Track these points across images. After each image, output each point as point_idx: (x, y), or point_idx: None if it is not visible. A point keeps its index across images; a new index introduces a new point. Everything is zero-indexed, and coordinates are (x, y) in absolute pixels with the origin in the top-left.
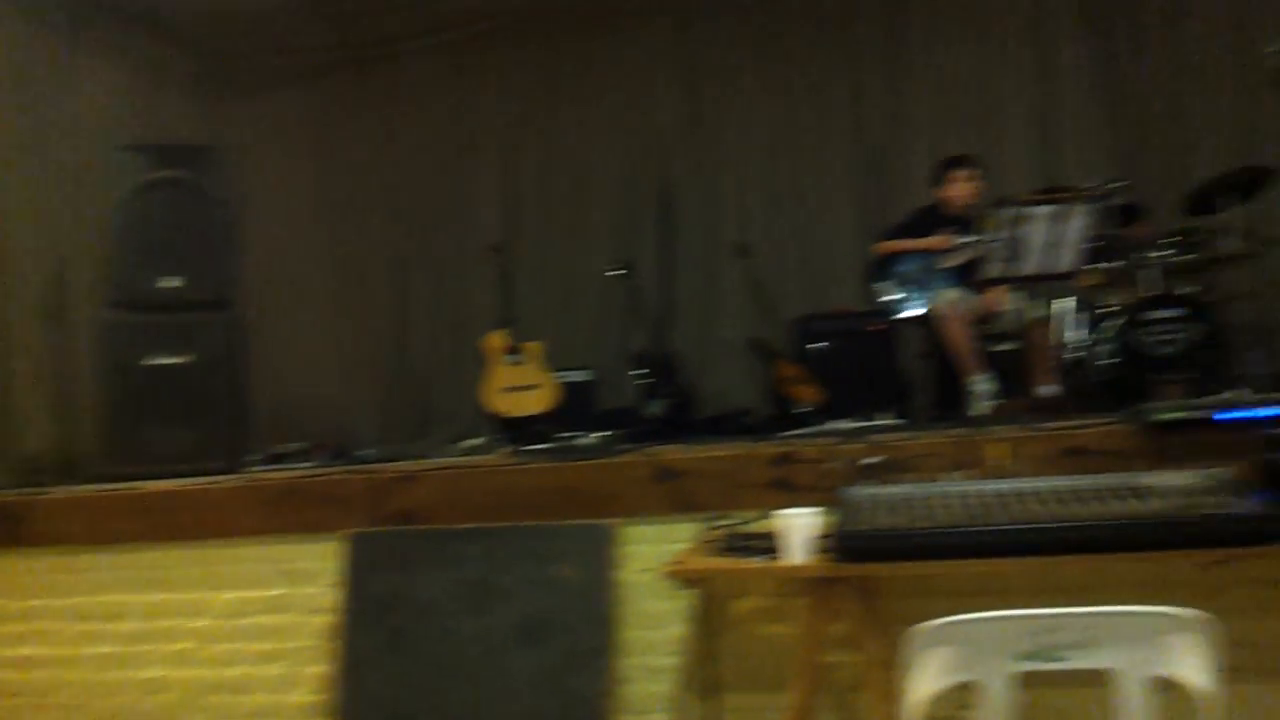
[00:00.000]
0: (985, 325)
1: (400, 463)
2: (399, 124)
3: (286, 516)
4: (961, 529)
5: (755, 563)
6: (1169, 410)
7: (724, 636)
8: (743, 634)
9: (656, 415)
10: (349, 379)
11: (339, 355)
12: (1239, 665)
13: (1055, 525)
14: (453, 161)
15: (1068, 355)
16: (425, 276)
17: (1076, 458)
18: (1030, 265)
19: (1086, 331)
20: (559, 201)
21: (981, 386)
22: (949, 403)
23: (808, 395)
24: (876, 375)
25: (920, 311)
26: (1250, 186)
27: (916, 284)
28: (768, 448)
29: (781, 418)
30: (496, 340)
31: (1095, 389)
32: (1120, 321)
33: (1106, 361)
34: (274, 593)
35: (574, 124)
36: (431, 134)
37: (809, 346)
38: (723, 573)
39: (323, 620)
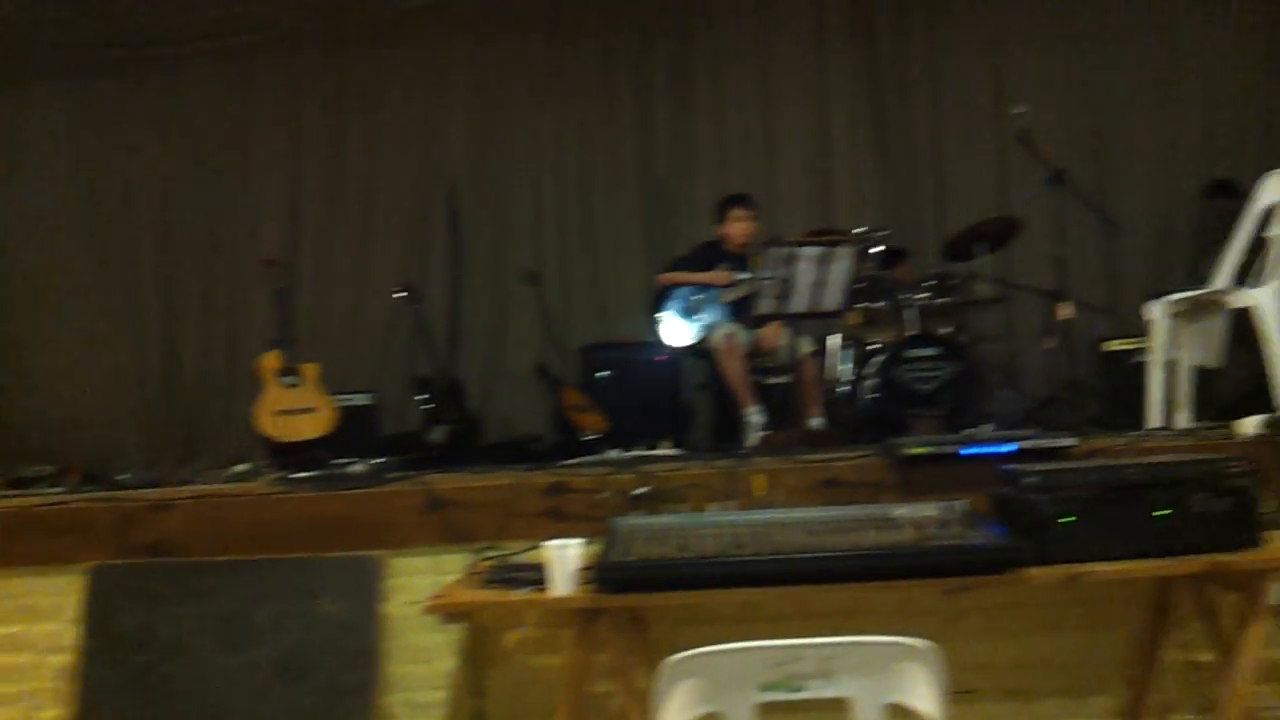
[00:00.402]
0: (759, 359)
1: (155, 489)
2: (174, 131)
3: (23, 547)
4: (720, 559)
5: (520, 595)
6: (918, 445)
7: (494, 669)
8: (513, 666)
9: (439, 442)
10: (114, 398)
11: (104, 373)
12: (979, 686)
13: (809, 556)
14: (231, 173)
15: (837, 389)
16: (199, 292)
17: (833, 489)
18: (799, 303)
19: (854, 367)
20: (345, 219)
21: (754, 418)
22: (726, 433)
23: (592, 423)
24: (659, 404)
25: (698, 343)
26: (1001, 236)
27: (698, 316)
28: (541, 477)
29: (567, 445)
30: (271, 361)
31: (861, 422)
32: (884, 359)
33: (871, 396)
34: (7, 630)
35: (363, 140)
36: (209, 143)
37: (595, 375)
38: (486, 605)
39: (63, 660)
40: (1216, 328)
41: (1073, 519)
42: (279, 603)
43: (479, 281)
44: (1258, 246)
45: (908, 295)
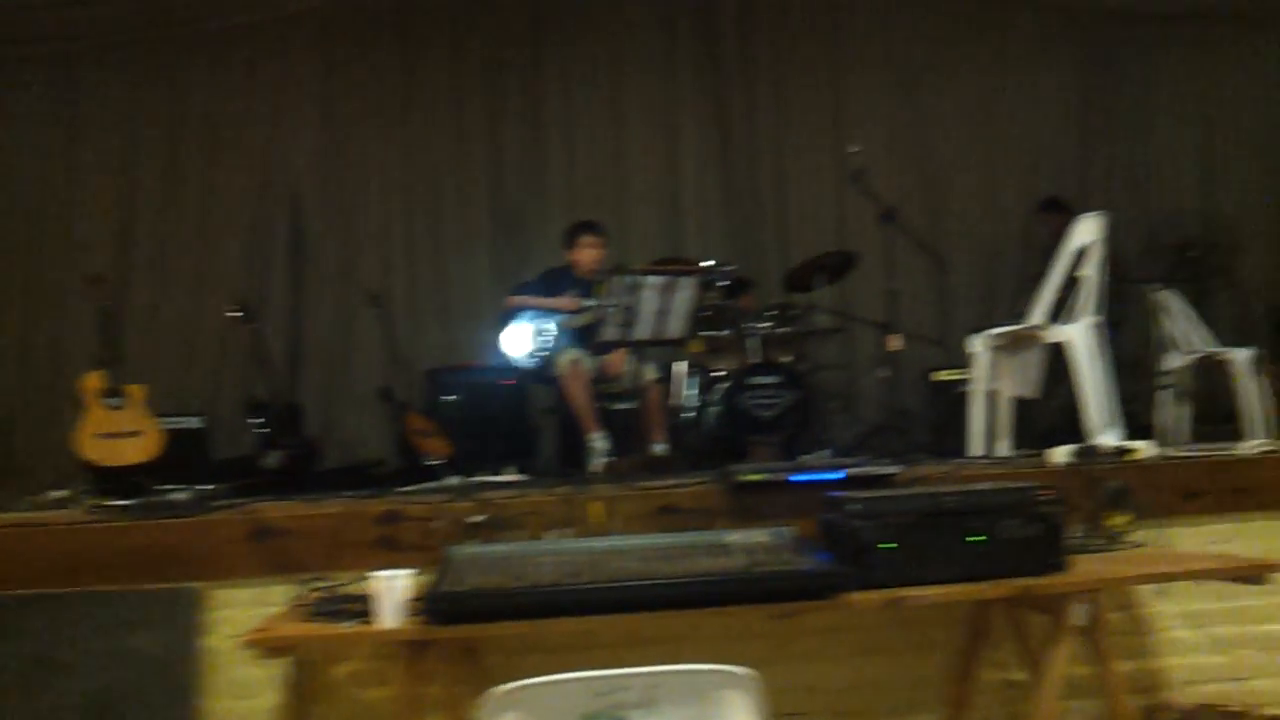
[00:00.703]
0: (605, 385)
1: None
2: None
3: None
4: (552, 588)
5: (346, 628)
6: (752, 472)
7: (321, 704)
8: (341, 700)
9: (274, 467)
10: None
11: None
12: (808, 709)
13: (640, 583)
14: (59, 185)
15: (682, 416)
16: (21, 308)
17: (670, 515)
18: (643, 330)
19: (698, 394)
20: (180, 235)
21: (599, 444)
22: (571, 459)
23: (436, 448)
24: (505, 429)
25: (544, 368)
26: (839, 269)
27: (544, 341)
28: (373, 505)
29: (411, 470)
30: (93, 381)
31: (704, 448)
32: (727, 386)
33: (714, 423)
34: None
35: (201, 153)
36: (35, 153)
37: (441, 399)
38: (308, 640)
39: None
40: (1034, 361)
41: (893, 545)
42: (88, 639)
43: (322, 302)
44: (1072, 284)
45: (751, 324)
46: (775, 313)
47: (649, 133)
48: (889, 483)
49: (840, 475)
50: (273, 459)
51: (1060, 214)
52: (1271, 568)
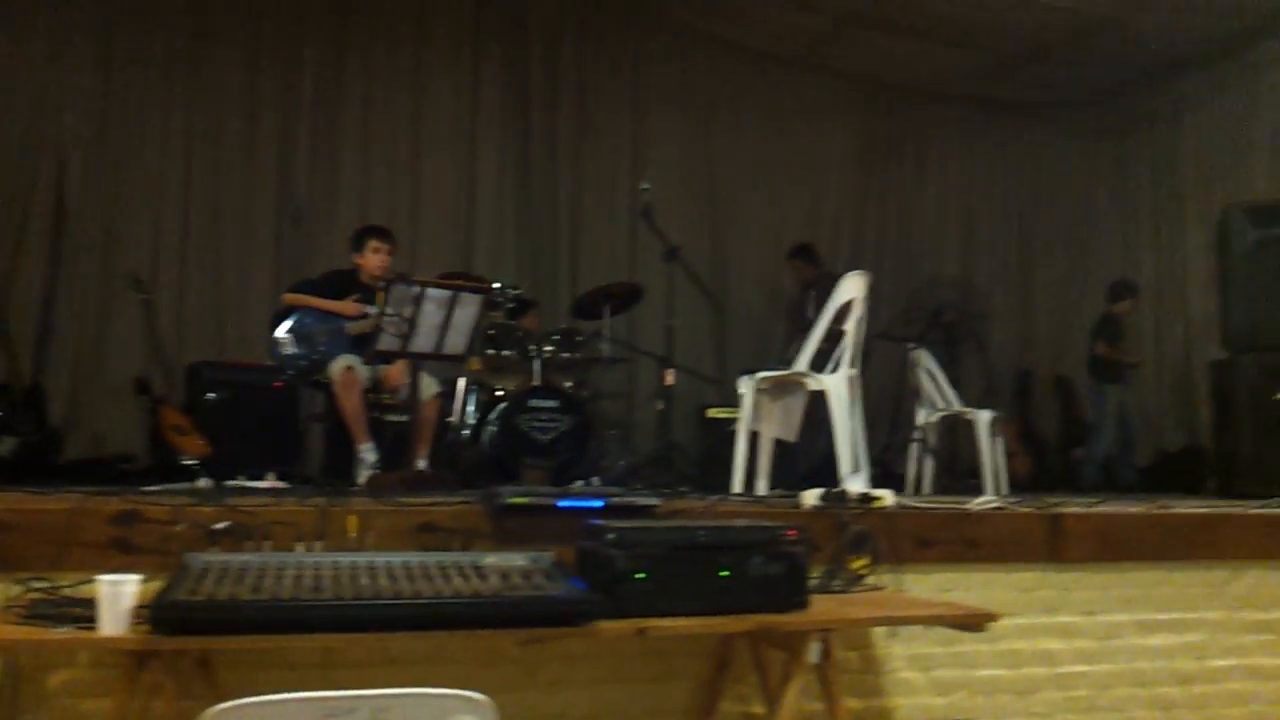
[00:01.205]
0: (381, 395)
1: None
2: None
3: None
4: (291, 603)
5: (61, 633)
6: (516, 495)
7: (31, 713)
8: (56, 711)
9: (5, 455)
10: None
11: None
12: None
13: (385, 602)
14: None
15: (460, 433)
16: None
17: (429, 534)
18: (422, 343)
19: (476, 412)
20: None
21: (368, 455)
22: (339, 469)
23: (193, 446)
24: (270, 433)
25: (317, 372)
26: (626, 300)
27: (318, 344)
28: (110, 503)
29: (163, 468)
30: None
31: (476, 467)
32: (506, 406)
33: (490, 442)
34: None
35: None
36: None
37: (202, 396)
38: (16, 644)
39: None
40: (796, 406)
41: (645, 575)
42: None
43: (79, 278)
44: (836, 336)
45: (535, 347)
46: (559, 337)
47: (449, 145)
48: (649, 514)
49: (601, 504)
50: (5, 446)
51: (808, 263)
52: (989, 617)
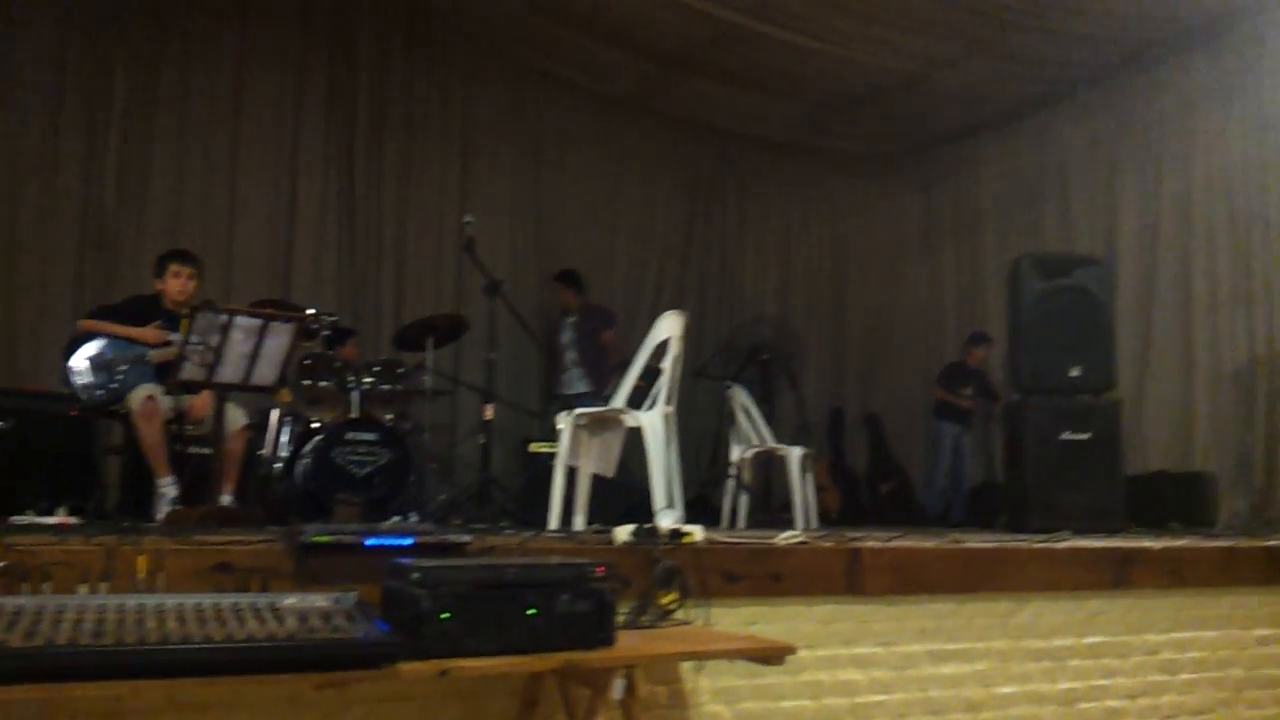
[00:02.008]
0: (184, 427)
1: None
2: None
3: None
4: (67, 649)
5: None
6: (320, 533)
7: None
8: None
9: None
10: None
11: None
12: None
13: (170, 648)
14: None
15: (269, 467)
16: None
17: (226, 574)
18: (229, 373)
19: (290, 445)
20: None
21: (168, 490)
22: (136, 504)
23: None
24: (63, 465)
25: (115, 402)
26: (450, 332)
27: (117, 372)
28: None
29: None
30: None
31: (287, 502)
32: (322, 439)
33: (304, 477)
34: None
35: None
36: None
37: None
38: None
39: None
40: (614, 442)
41: (449, 615)
42: None
43: None
44: (653, 373)
45: (354, 378)
46: (380, 369)
47: (269, 169)
48: (460, 551)
49: (409, 541)
50: None
51: (570, 288)
52: (788, 650)
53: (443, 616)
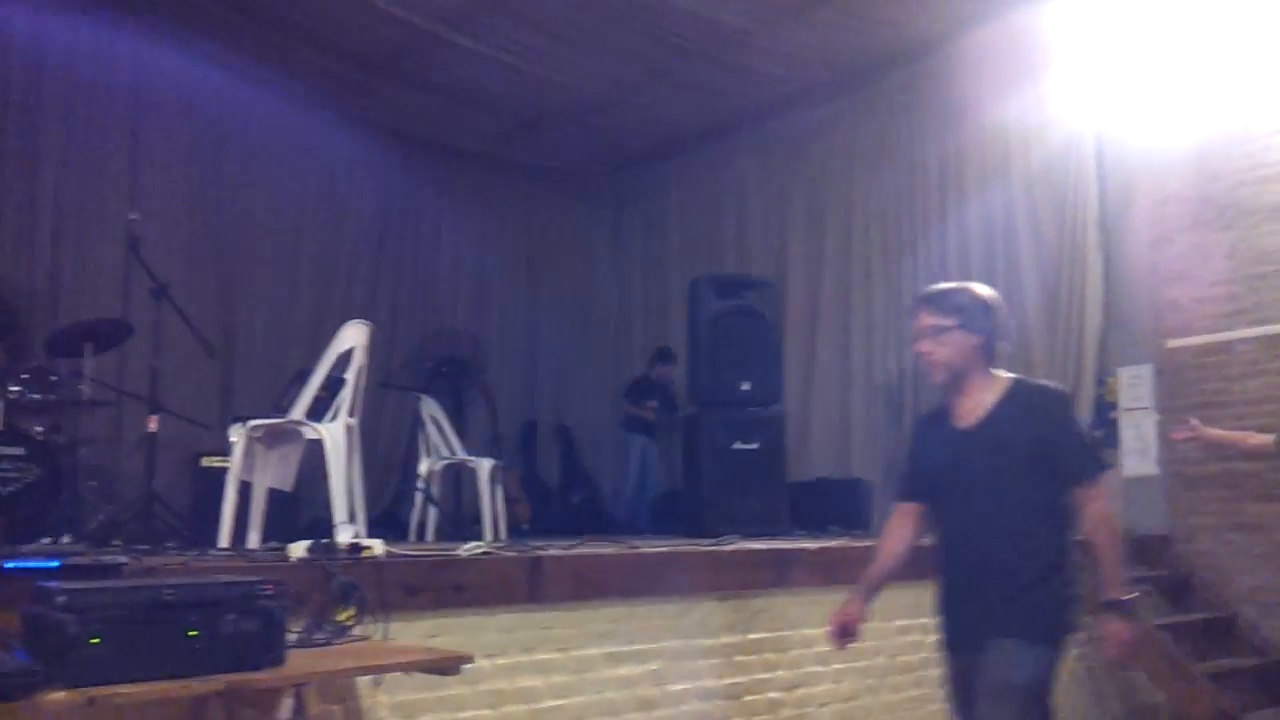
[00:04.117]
0: None
1: None
2: None
3: None
4: None
5: None
6: None
7: None
8: None
9: None
10: None
11: None
12: None
13: None
14: None
15: None
16: None
17: None
18: None
19: None
20: None
21: None
22: None
23: None
24: None
25: None
26: (110, 338)
27: None
28: None
29: None
30: None
31: None
32: None
33: None
34: None
35: None
36: None
37: None
38: None
39: None
40: (293, 455)
41: (99, 640)
42: None
43: None
44: (336, 384)
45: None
46: (29, 376)
47: None
48: (117, 573)
49: (55, 564)
50: None
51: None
52: (463, 659)
53: (93, 642)
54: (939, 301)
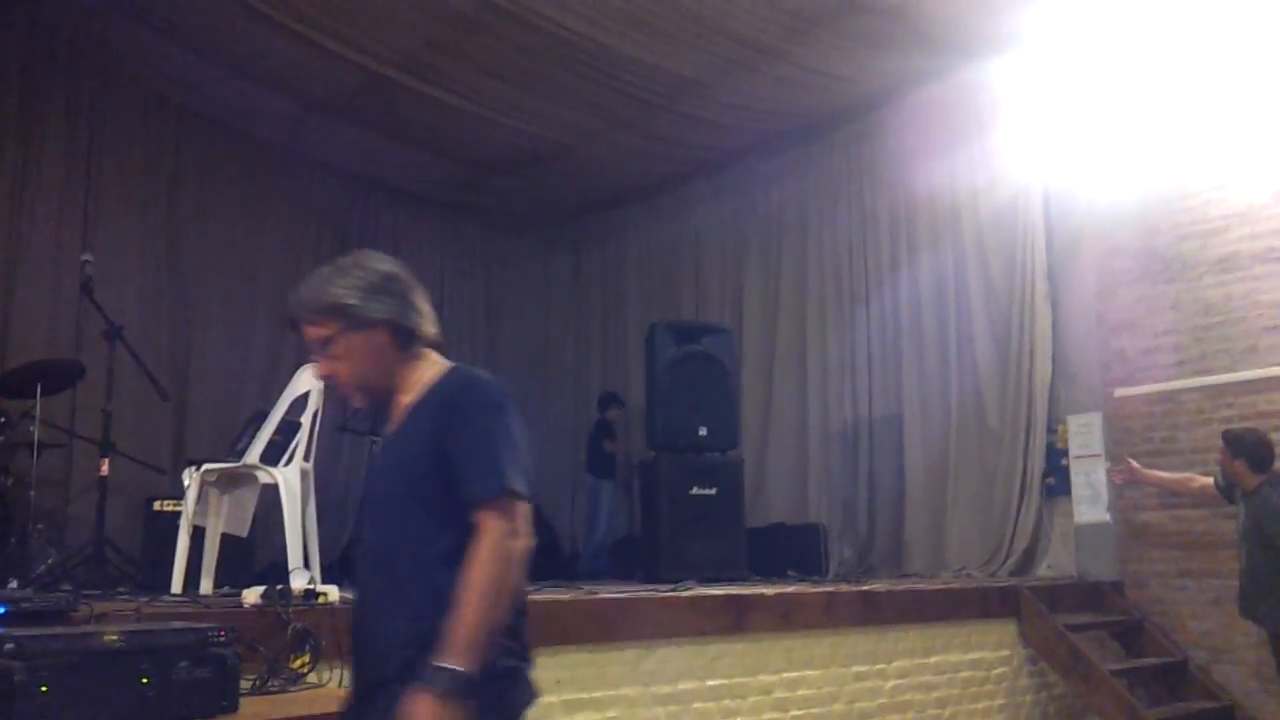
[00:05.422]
0: None
1: None
2: None
3: None
4: None
5: None
6: None
7: None
8: None
9: None
10: None
11: None
12: None
13: None
14: None
15: None
16: None
17: None
18: None
19: None
20: None
21: None
22: None
23: None
24: None
25: None
26: (62, 379)
27: None
28: None
29: None
30: None
31: None
32: None
33: None
34: None
35: None
36: None
37: None
38: None
39: None
40: (248, 499)
41: (47, 689)
42: None
43: None
44: (291, 428)
45: None
46: None
47: None
48: (65, 620)
49: (2, 610)
50: None
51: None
52: None
53: (41, 690)
54: (311, 305)
